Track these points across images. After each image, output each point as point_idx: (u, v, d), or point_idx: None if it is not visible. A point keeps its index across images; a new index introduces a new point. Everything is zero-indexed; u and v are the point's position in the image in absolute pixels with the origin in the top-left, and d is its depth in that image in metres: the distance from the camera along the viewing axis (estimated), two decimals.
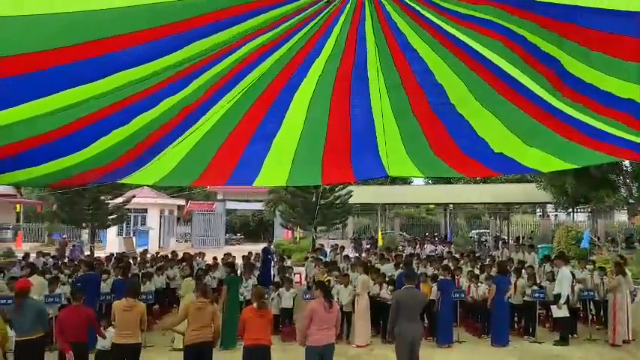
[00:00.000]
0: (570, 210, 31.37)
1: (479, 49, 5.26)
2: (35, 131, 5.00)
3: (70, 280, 10.45)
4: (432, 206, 42.74)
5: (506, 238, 30.99)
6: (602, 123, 5.45)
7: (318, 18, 5.09)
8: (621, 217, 35.58)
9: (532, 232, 34.07)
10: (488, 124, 6.57)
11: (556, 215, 39.52)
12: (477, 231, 40.69)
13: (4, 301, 8.36)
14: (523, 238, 29.49)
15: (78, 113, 4.87)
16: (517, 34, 4.68)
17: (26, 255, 15.87)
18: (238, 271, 11.75)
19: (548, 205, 36.22)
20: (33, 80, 4.06)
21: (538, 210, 42.93)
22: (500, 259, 15.73)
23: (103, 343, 7.35)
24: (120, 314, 6.64)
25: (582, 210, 34.19)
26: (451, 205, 37.75)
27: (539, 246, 23.06)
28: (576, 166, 8.16)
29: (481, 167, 8.08)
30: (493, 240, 29.71)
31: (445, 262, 12.43)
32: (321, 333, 6.66)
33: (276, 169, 7.93)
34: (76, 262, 13.32)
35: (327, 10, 4.97)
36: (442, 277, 10.62)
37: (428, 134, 7.13)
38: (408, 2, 4.85)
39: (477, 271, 11.68)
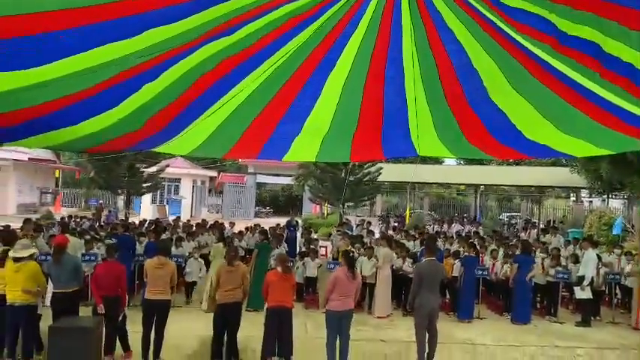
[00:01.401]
0: (605, 196, 30.72)
1: (513, 35, 5.24)
2: (68, 90, 5.17)
3: (106, 241, 10.92)
4: (462, 187, 42.42)
5: (536, 221, 30.62)
6: (636, 106, 5.37)
7: None
8: None
9: (564, 216, 33.52)
10: (522, 111, 6.51)
11: (591, 201, 38.76)
12: (508, 214, 40.29)
13: (43, 257, 8.83)
14: (554, 222, 29.08)
15: (109, 72, 5.04)
16: (549, 21, 4.64)
17: (62, 218, 16.55)
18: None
19: (583, 191, 35.51)
20: (65, 38, 4.23)
21: (572, 195, 42.08)
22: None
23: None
24: (152, 271, 7.00)
25: (617, 197, 33.41)
26: (482, 187, 37.40)
27: (569, 230, 22.79)
28: (610, 152, 8.04)
29: (513, 152, 8.06)
30: (523, 223, 29.38)
31: (470, 240, 12.49)
32: (341, 300, 6.92)
33: (307, 145, 8.03)
34: (111, 227, 13.85)
35: None
36: (466, 254, 10.71)
37: (460, 120, 7.10)
38: None
39: (501, 251, 11.71)
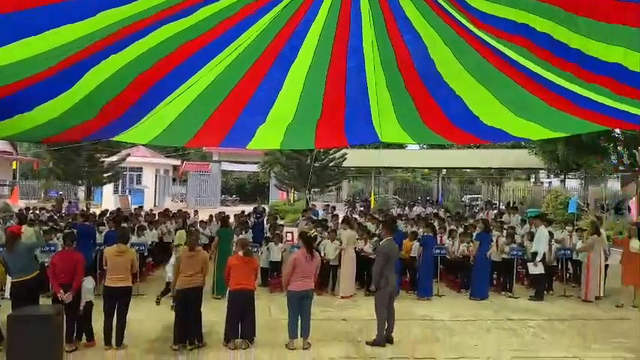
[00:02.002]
0: (562, 177, 31.78)
1: (468, 26, 5.39)
2: (18, 75, 5.03)
3: (65, 231, 10.78)
4: (426, 171, 43.20)
5: (497, 203, 31.49)
6: (589, 90, 5.58)
7: None
8: (614, 185, 35.94)
9: (523, 197, 34.53)
10: (478, 96, 6.65)
11: (550, 182, 40.01)
12: (470, 196, 41.30)
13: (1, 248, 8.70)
14: (514, 203, 29.95)
15: (60, 56, 4.90)
16: (504, 18, 4.81)
17: (21, 210, 16.21)
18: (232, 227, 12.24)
19: (542, 172, 36.65)
20: (15, 21, 4.15)
21: (532, 176, 43.35)
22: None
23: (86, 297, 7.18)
24: (111, 259, 7.00)
25: (574, 177, 34.60)
26: (444, 170, 38.21)
27: (527, 210, 23.54)
28: (565, 135, 8.33)
29: (472, 137, 8.25)
30: (484, 204, 30.18)
31: (430, 221, 12.82)
32: (302, 280, 7.10)
33: (271, 133, 8.02)
34: (70, 219, 13.65)
35: None
36: (424, 234, 11.02)
37: (420, 107, 7.22)
38: None
39: (459, 230, 12.08)
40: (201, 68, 6.25)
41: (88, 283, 7.04)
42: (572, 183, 35.95)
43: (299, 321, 7.20)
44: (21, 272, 6.80)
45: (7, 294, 7.10)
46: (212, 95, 6.81)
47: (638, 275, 9.96)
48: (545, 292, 10.74)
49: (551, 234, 11.14)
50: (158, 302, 7.74)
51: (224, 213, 14.87)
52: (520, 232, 12.37)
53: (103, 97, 6.13)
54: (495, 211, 19.93)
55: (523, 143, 29.02)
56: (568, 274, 11.84)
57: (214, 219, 14.63)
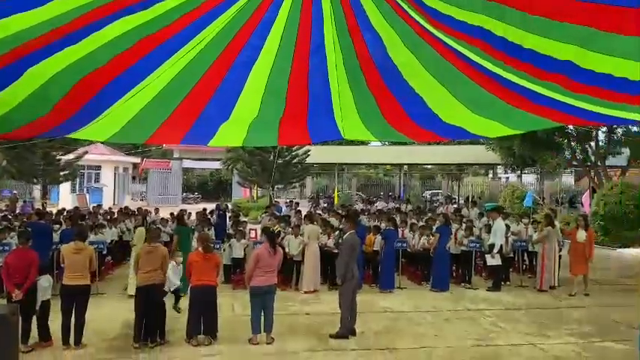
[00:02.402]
0: (519, 172, 32.70)
1: (426, 26, 5.48)
2: None
3: (19, 230, 10.46)
4: (388, 167, 43.71)
5: (456, 197, 32.16)
6: (543, 87, 5.76)
7: None
8: (568, 179, 37.17)
9: (482, 192, 35.38)
10: (437, 95, 6.75)
11: (507, 178, 41.09)
12: (431, 191, 42.05)
13: None
14: (473, 197, 30.68)
15: (7, 46, 4.78)
16: (443, 14, 4.94)
17: None
18: (193, 226, 12.11)
19: (499, 168, 37.60)
20: None
21: (490, 172, 44.44)
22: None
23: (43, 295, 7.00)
24: (69, 257, 6.84)
25: (531, 172, 35.63)
26: (405, 166, 38.74)
27: (485, 204, 24.14)
28: (520, 132, 8.56)
29: (431, 134, 8.40)
30: (444, 199, 30.78)
31: (392, 216, 13.01)
32: (266, 275, 7.11)
33: (233, 130, 7.95)
34: (25, 218, 13.24)
35: None
36: (386, 227, 11.19)
37: (380, 104, 7.27)
38: None
39: (420, 224, 12.31)
40: (161, 64, 6.14)
41: (45, 281, 6.85)
42: (529, 178, 36.99)
43: (262, 316, 7.21)
44: None
45: None
46: (173, 92, 6.70)
47: (584, 265, 10.42)
48: (503, 283, 11.08)
49: (507, 226, 11.47)
50: (178, 310, 7.65)
51: (185, 211, 14.70)
52: (478, 225, 12.70)
53: (57, 92, 5.96)
54: (455, 206, 20.35)
55: (481, 140, 29.70)
56: (524, 265, 12.22)
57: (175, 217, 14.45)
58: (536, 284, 10.96)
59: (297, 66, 6.63)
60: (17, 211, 18.87)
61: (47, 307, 6.89)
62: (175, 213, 14.64)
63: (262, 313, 7.21)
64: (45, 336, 6.87)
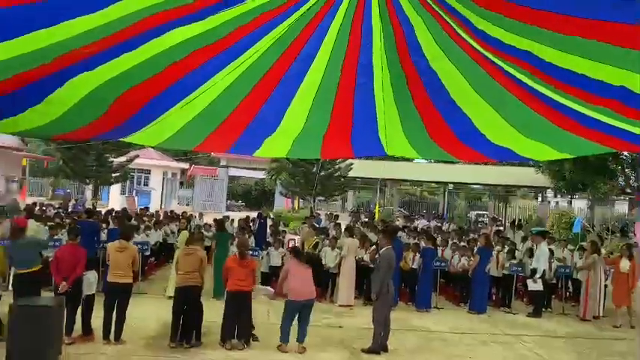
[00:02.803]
0: (569, 196, 31.67)
1: (477, 47, 5.41)
2: (25, 67, 5.03)
3: (69, 227, 10.92)
4: (432, 185, 43.22)
5: (502, 219, 31.42)
6: (595, 112, 5.65)
7: None
8: (623, 207, 35.75)
9: (529, 215, 34.43)
10: (485, 116, 6.67)
11: (557, 202, 39.88)
12: (476, 212, 41.24)
13: (4, 242, 8.86)
14: (519, 221, 29.94)
15: (65, 49, 4.89)
16: (492, 37, 4.92)
17: (28, 205, 16.44)
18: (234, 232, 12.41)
19: (549, 192, 36.54)
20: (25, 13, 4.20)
21: (540, 196, 43.24)
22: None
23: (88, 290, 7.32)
24: (113, 255, 7.13)
25: (582, 197, 34.45)
26: (450, 185, 38.18)
27: (532, 229, 23.48)
28: (571, 156, 8.38)
29: (480, 155, 8.30)
30: (489, 221, 30.14)
31: (433, 234, 12.88)
32: (303, 287, 7.24)
33: (279, 142, 8.06)
34: (76, 216, 13.82)
35: None
36: (425, 246, 11.08)
37: (426, 121, 7.23)
38: None
39: (461, 244, 12.14)
40: (213, 75, 6.32)
41: (90, 276, 7.15)
42: (579, 203, 35.77)
43: (293, 326, 7.28)
44: (23, 265, 6.92)
45: (10, 286, 7.20)
46: (223, 104, 6.86)
47: (627, 296, 9.98)
48: (544, 310, 10.77)
49: (551, 252, 11.16)
50: None
51: (227, 217, 15.06)
52: (521, 249, 12.40)
53: (112, 95, 6.18)
54: (498, 228, 19.92)
55: (531, 162, 28.99)
56: (568, 293, 11.83)
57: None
58: (579, 313, 10.59)
59: (344, 82, 6.68)
60: (69, 210, 19.73)
61: (91, 302, 7.18)
62: (218, 219, 15.06)
63: (296, 323, 7.28)
64: (87, 330, 7.16)
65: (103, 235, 10.70)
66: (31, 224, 9.50)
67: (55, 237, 9.86)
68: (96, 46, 5.11)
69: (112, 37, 5.05)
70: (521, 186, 35.76)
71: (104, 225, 11.36)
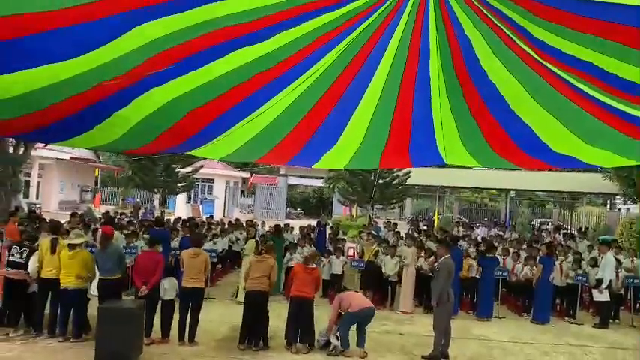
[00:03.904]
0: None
1: (534, 55, 5.44)
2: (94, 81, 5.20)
3: (144, 236, 11.66)
4: (493, 192, 42.26)
5: (567, 227, 30.37)
6: None
7: (385, 5, 5.34)
8: None
9: (597, 223, 33.08)
10: (547, 125, 6.69)
11: (628, 209, 38.08)
12: (540, 220, 39.94)
13: (90, 248, 9.62)
14: (586, 228, 28.87)
15: (133, 63, 5.06)
16: (550, 46, 5.00)
17: (106, 212, 17.55)
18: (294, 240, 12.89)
19: (618, 198, 34.94)
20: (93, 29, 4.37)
21: (608, 203, 41.39)
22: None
23: (168, 294, 7.84)
24: (187, 261, 7.67)
25: None
26: (512, 192, 37.22)
27: (600, 237, 22.65)
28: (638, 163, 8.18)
29: (541, 163, 8.23)
30: (553, 229, 29.22)
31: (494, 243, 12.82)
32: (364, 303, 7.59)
33: (338, 155, 8.35)
34: (146, 224, 14.65)
35: None
36: (486, 255, 11.06)
37: (485, 132, 7.32)
38: None
39: (522, 253, 12.02)
40: (277, 93, 6.60)
41: (167, 282, 7.70)
42: None
43: (352, 333, 7.55)
44: (107, 272, 7.55)
45: (93, 289, 7.89)
46: (286, 120, 7.17)
47: None
48: (611, 321, 10.50)
49: (618, 261, 10.87)
50: None
51: (288, 225, 15.57)
52: (586, 258, 12.11)
53: (179, 113, 6.51)
54: (560, 237, 19.37)
55: (598, 168, 27.91)
56: (638, 304, 11.46)
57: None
58: None
59: (402, 95, 6.85)
60: (140, 218, 20.84)
61: (170, 307, 7.69)
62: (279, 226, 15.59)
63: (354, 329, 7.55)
64: (165, 332, 7.67)
65: (175, 243, 11.36)
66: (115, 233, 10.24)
67: (131, 244, 10.59)
68: (165, 60, 5.26)
69: (178, 51, 5.18)
70: (588, 193, 34.33)
71: (174, 233, 12.03)
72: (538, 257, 11.15)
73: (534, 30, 4.98)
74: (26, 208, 20.10)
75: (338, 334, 7.53)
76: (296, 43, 5.66)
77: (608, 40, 4.55)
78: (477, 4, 5.08)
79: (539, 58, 5.49)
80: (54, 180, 31.67)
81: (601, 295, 10.29)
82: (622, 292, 11.00)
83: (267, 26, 5.23)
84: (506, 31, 5.34)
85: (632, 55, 4.55)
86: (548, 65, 5.54)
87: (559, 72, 5.58)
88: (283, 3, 4.82)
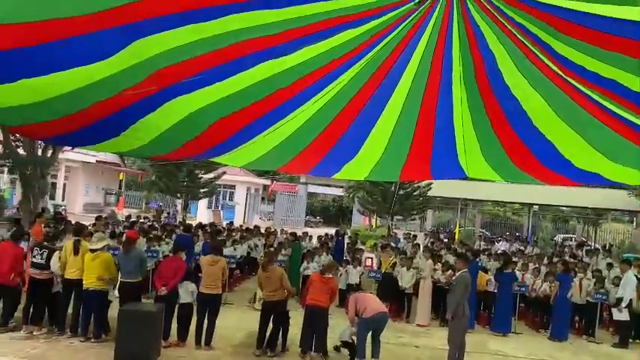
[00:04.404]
0: None
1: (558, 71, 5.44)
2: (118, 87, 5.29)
3: (167, 240, 11.88)
4: (516, 205, 41.75)
5: (591, 244, 29.86)
6: None
7: (409, 19, 5.39)
8: None
9: (622, 241, 32.46)
10: (570, 141, 6.65)
11: None
12: (563, 235, 39.31)
13: (112, 251, 9.86)
14: (610, 246, 28.33)
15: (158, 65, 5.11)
16: (573, 62, 5.02)
17: (129, 217, 17.89)
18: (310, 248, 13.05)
19: None
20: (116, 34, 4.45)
21: (634, 219, 40.58)
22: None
23: (185, 298, 7.98)
24: (206, 267, 7.83)
25: None
26: (535, 206, 36.72)
27: (625, 255, 22.24)
28: None
29: (564, 178, 8.18)
30: (576, 245, 28.76)
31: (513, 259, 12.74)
32: (375, 305, 7.56)
33: (359, 166, 8.40)
34: (169, 228, 14.91)
35: (418, 11, 5.24)
36: (505, 270, 11.00)
37: (507, 147, 7.30)
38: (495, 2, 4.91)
39: (543, 269, 11.92)
40: (299, 107, 6.72)
41: (186, 286, 7.85)
42: None
43: (368, 343, 7.56)
44: (129, 275, 7.77)
45: (116, 292, 8.09)
46: (307, 131, 7.28)
47: None
48: (631, 341, 10.33)
49: (639, 279, 10.70)
50: None
51: (306, 233, 15.71)
52: (609, 276, 11.94)
53: (205, 121, 6.63)
54: (583, 253, 19.06)
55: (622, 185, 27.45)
56: None
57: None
58: None
59: (425, 107, 6.86)
60: (162, 221, 21.17)
61: (188, 312, 7.83)
62: (300, 235, 15.74)
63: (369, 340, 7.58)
64: (182, 336, 7.82)
65: (198, 248, 11.55)
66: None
67: (152, 248, 10.80)
68: (189, 68, 5.36)
69: (206, 59, 5.29)
70: (613, 209, 33.69)
71: (195, 238, 12.23)
72: (555, 274, 11.05)
73: (558, 46, 4.98)
74: (52, 210, 20.62)
75: (354, 337, 7.57)
76: (320, 59, 5.74)
77: (630, 56, 4.54)
78: (501, 20, 5.12)
79: (563, 75, 5.50)
80: (79, 182, 32.37)
81: (621, 315, 10.15)
82: None
83: (292, 39, 5.32)
84: (530, 46, 5.35)
85: None
86: (572, 82, 5.55)
87: (583, 89, 5.57)
88: (310, 17, 4.92)
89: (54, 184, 29.90)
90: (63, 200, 29.93)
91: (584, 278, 10.99)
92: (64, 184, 31.47)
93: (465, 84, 6.40)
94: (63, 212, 21.21)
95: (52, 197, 28.52)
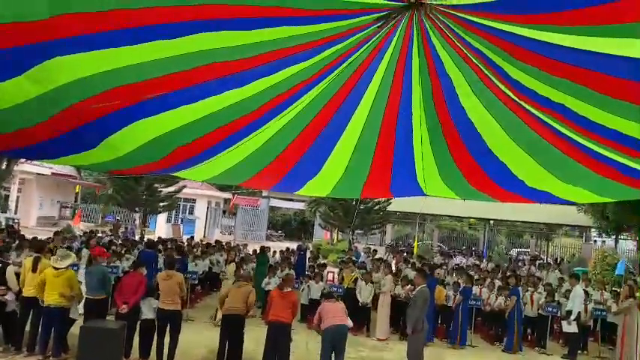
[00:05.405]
0: (614, 236, 30.91)
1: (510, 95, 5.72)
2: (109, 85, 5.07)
3: (127, 256, 11.74)
4: (472, 220, 42.82)
5: (543, 258, 30.91)
6: (632, 162, 5.80)
7: (371, 42, 5.52)
8: None
9: (572, 255, 33.72)
10: (522, 163, 6.93)
11: (604, 241, 38.81)
12: (518, 250, 40.51)
13: (74, 267, 9.67)
14: (561, 260, 29.34)
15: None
16: (526, 87, 5.33)
17: (92, 232, 17.53)
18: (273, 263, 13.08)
19: (593, 231, 35.69)
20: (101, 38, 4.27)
21: (584, 234, 42.20)
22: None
23: (146, 314, 7.94)
24: (161, 283, 7.81)
25: (629, 238, 33.49)
26: (492, 221, 37.76)
27: (575, 269, 23.12)
28: (612, 200, 8.44)
29: (517, 197, 8.55)
30: (529, 260, 29.70)
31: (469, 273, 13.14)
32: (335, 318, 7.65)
33: (321, 183, 8.58)
34: (129, 243, 14.71)
35: (379, 34, 5.38)
36: (464, 285, 11.35)
37: (462, 168, 7.57)
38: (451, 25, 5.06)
39: (497, 283, 12.34)
40: (261, 127, 6.82)
41: (149, 302, 7.80)
42: (629, 244, 34.72)
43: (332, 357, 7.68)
44: (92, 291, 7.70)
45: (81, 310, 7.98)
46: (270, 148, 7.40)
47: None
48: (580, 352, 10.80)
49: (587, 293, 11.24)
50: None
51: (268, 248, 15.78)
52: (560, 290, 12.47)
53: (168, 147, 6.70)
54: (536, 267, 19.79)
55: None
56: (606, 336, 11.78)
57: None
58: (615, 357, 10.57)
59: (385, 129, 7.07)
60: (121, 237, 20.78)
61: (148, 328, 7.77)
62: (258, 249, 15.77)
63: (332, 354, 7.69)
64: (144, 353, 7.75)
65: (161, 263, 11.44)
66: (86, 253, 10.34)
67: (112, 264, 10.65)
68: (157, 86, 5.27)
69: (174, 81, 5.22)
70: (564, 224, 35.03)
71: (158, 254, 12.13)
72: (507, 289, 11.45)
73: (512, 71, 5.20)
74: (4, 223, 19.96)
75: None
76: (286, 82, 5.81)
77: (579, 84, 4.84)
78: (458, 44, 5.36)
79: (516, 98, 5.80)
80: (33, 195, 31.40)
81: (570, 327, 10.62)
82: (590, 323, 11.35)
83: (266, 62, 5.34)
84: (484, 70, 5.58)
85: (597, 99, 4.87)
86: (525, 105, 5.85)
87: (535, 111, 5.88)
88: (268, 43, 4.97)
89: (6, 197, 28.94)
90: (16, 213, 28.93)
91: (536, 292, 11.44)
92: (17, 197, 30.46)
93: (424, 105, 6.65)
94: (15, 226, 20.56)
95: (4, 210, 27.59)
